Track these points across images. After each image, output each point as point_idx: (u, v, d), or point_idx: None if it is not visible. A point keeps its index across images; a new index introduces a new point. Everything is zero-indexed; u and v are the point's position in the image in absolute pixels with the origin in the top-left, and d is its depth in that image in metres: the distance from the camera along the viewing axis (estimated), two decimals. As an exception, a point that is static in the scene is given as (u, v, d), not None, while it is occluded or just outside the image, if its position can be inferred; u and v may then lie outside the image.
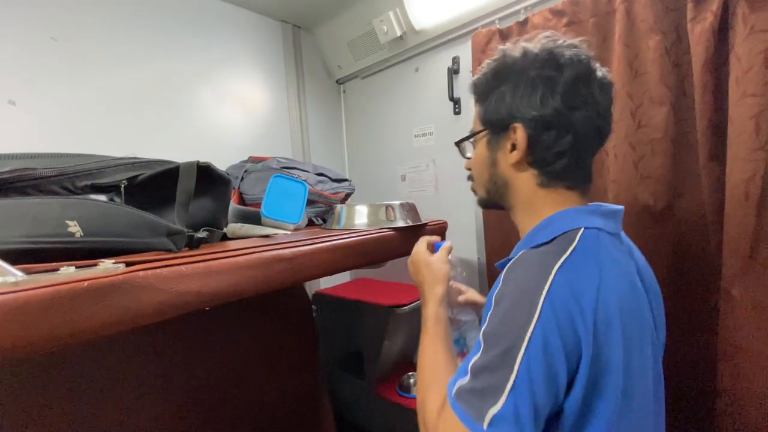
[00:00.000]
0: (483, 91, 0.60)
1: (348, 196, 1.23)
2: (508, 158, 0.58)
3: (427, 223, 1.00)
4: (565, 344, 0.42)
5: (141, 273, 0.44)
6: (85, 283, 0.39)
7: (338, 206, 0.98)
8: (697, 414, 0.88)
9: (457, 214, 1.37)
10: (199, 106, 1.33)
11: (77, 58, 1.07)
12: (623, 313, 0.46)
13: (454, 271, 0.72)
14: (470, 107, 1.34)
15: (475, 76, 0.62)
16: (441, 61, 1.42)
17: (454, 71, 1.38)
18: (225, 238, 0.76)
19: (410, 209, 0.96)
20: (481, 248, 1.32)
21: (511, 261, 0.51)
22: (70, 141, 1.05)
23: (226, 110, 1.41)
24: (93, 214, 0.51)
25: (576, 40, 0.56)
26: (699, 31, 0.79)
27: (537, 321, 0.42)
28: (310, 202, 1.04)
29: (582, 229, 0.51)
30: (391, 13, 1.39)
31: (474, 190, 0.68)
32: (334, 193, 1.16)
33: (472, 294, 0.80)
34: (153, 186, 0.63)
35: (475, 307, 0.79)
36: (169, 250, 0.57)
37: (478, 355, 0.45)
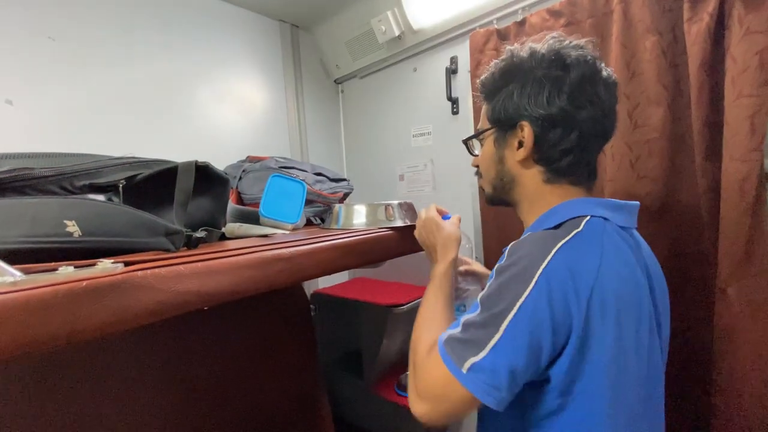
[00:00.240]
0: (491, 89, 0.62)
1: (346, 195, 1.23)
2: (515, 155, 0.59)
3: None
4: (554, 317, 0.44)
5: (140, 273, 0.44)
6: (84, 283, 0.39)
7: (337, 206, 0.98)
8: (692, 413, 0.88)
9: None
10: (197, 106, 1.33)
11: (74, 57, 1.06)
12: (620, 299, 0.47)
13: (464, 239, 0.76)
14: (468, 107, 1.35)
15: (483, 75, 0.63)
16: (439, 61, 1.42)
17: (452, 71, 1.38)
18: (223, 237, 0.76)
19: (408, 209, 0.96)
20: (479, 247, 1.32)
21: (517, 240, 0.53)
22: (68, 140, 1.05)
23: (224, 110, 1.41)
24: (91, 214, 0.51)
25: (582, 41, 0.57)
26: (695, 32, 0.79)
27: (530, 291, 0.45)
28: (309, 202, 1.04)
29: (588, 217, 0.52)
30: (389, 13, 1.39)
31: (481, 187, 0.70)
32: (332, 193, 1.15)
33: (476, 266, 0.84)
34: (151, 186, 0.63)
35: (476, 277, 0.82)
36: (168, 250, 0.57)
37: (473, 314, 0.49)
